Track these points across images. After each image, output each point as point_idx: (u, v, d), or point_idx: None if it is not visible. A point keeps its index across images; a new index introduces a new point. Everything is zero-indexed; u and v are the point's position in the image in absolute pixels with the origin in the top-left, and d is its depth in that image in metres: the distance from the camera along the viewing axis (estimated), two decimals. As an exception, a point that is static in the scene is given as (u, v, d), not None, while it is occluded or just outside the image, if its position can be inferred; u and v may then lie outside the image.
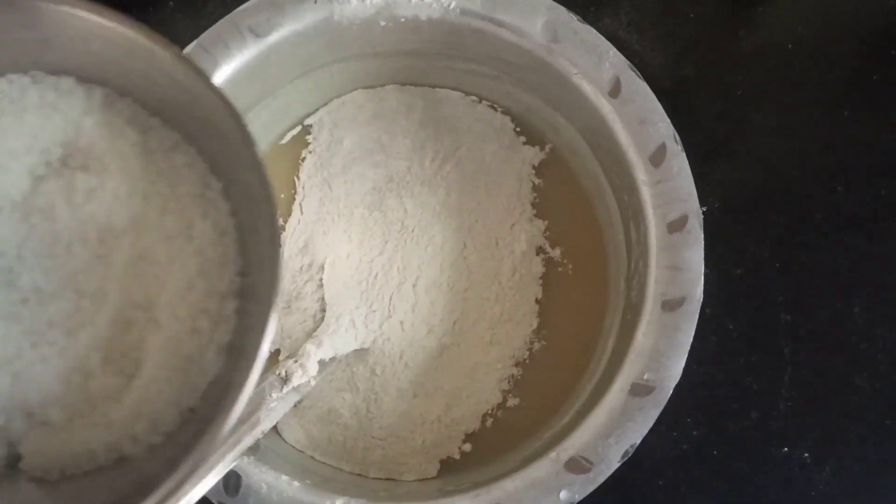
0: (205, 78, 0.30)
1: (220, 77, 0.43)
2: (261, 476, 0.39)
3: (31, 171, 0.32)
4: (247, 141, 0.29)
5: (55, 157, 0.32)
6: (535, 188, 0.52)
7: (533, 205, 0.52)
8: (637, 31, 0.56)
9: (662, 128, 0.42)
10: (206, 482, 0.37)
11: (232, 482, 0.38)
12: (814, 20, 0.56)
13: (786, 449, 0.51)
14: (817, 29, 0.56)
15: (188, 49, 0.43)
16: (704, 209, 0.52)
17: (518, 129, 0.53)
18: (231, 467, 0.38)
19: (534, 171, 0.52)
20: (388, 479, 0.46)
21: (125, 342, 0.32)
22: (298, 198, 0.52)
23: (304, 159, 0.53)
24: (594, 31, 0.43)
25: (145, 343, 0.32)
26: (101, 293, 0.32)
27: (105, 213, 0.32)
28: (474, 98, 0.53)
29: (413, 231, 0.50)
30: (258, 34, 0.43)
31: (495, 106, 0.53)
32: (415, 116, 0.53)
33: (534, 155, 0.52)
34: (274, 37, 0.44)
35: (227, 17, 0.43)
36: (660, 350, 0.40)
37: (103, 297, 0.32)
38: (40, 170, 0.32)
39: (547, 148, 0.52)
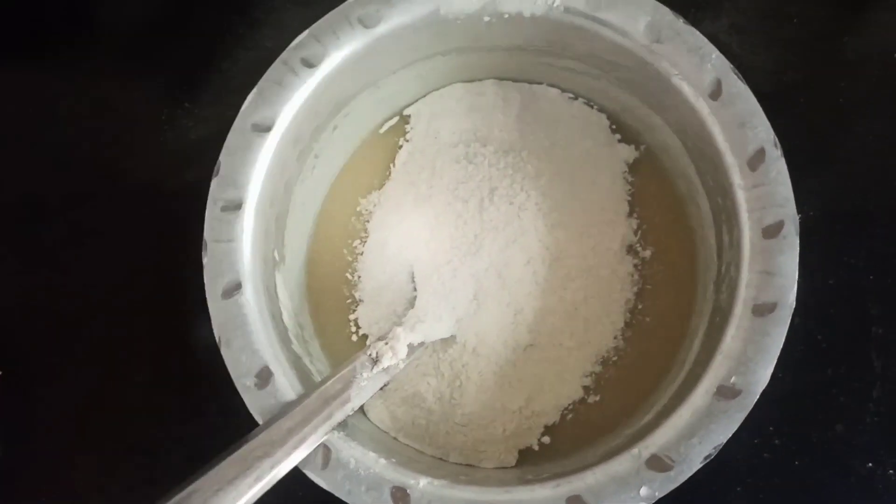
0: None
1: (328, 66, 0.45)
2: (350, 451, 0.40)
3: None
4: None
5: None
6: (629, 192, 0.52)
7: (626, 203, 0.52)
8: (738, 34, 0.56)
9: (762, 132, 0.42)
10: (298, 453, 0.39)
11: (322, 455, 0.40)
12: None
13: (870, 464, 0.50)
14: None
15: (300, 38, 0.45)
16: (801, 216, 0.51)
17: (614, 128, 0.53)
18: (322, 441, 0.40)
19: (627, 170, 0.53)
20: (467, 465, 0.47)
21: None
22: (392, 185, 0.53)
23: (400, 147, 0.54)
24: (697, 32, 0.43)
25: None
26: None
27: None
28: (571, 95, 0.53)
29: (504, 224, 0.51)
30: (367, 25, 0.45)
31: (591, 104, 0.53)
32: (511, 111, 0.53)
33: (628, 153, 0.52)
34: (381, 28, 0.45)
35: (338, 7, 0.45)
36: (748, 354, 0.39)
37: None
38: None
39: (642, 147, 0.52)
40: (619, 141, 0.53)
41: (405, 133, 0.54)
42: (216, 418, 0.51)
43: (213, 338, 0.42)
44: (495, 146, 0.53)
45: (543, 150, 0.53)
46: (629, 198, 0.52)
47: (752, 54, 0.56)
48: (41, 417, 0.54)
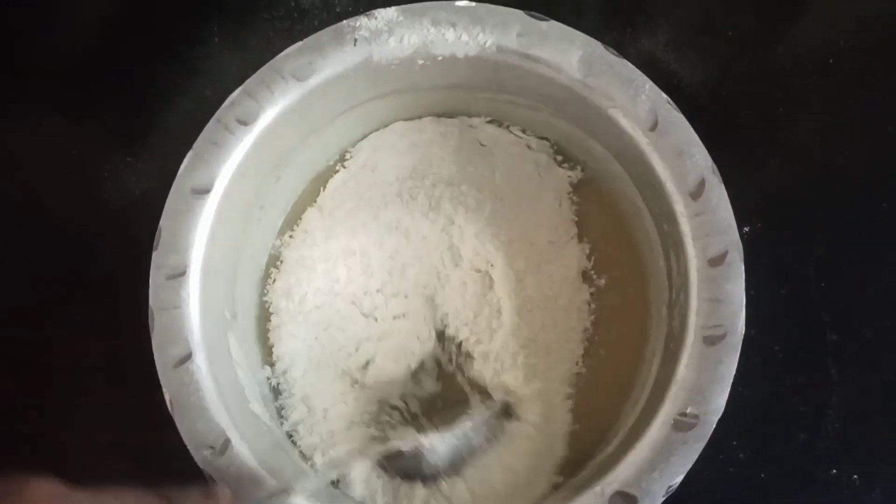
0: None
1: (264, 121, 0.44)
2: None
3: None
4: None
5: None
6: (576, 214, 0.53)
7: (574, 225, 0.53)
8: (675, 50, 0.56)
9: (700, 160, 0.42)
10: None
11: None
12: (854, 35, 0.56)
13: (834, 471, 0.51)
14: (858, 43, 0.56)
15: (233, 96, 0.44)
16: (747, 228, 0.52)
17: (559, 158, 0.53)
18: None
19: (572, 190, 0.53)
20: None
21: None
22: (313, 212, 0.54)
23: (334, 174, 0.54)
24: (630, 64, 0.43)
25: None
26: None
27: None
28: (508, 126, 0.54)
29: (452, 259, 0.51)
30: (300, 78, 0.44)
31: (533, 133, 0.53)
32: (450, 144, 0.54)
33: (573, 175, 0.53)
34: (315, 80, 0.45)
35: (269, 62, 0.45)
36: (702, 384, 0.40)
37: None
38: None
39: (578, 169, 0.53)
40: (562, 164, 0.53)
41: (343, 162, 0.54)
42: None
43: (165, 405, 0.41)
44: (436, 179, 0.53)
45: (484, 180, 0.53)
46: (576, 218, 0.53)
47: (690, 69, 0.56)
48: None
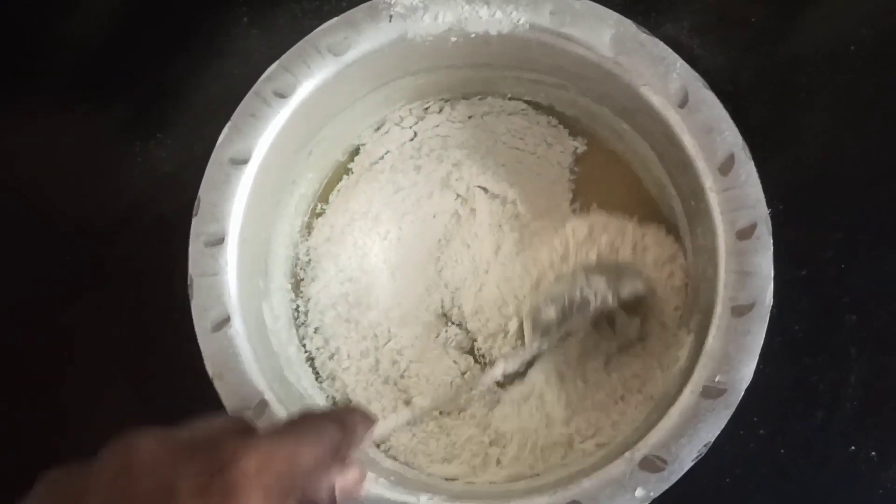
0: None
1: (300, 95, 0.45)
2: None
3: None
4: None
5: None
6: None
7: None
8: (698, 36, 0.57)
9: (730, 137, 0.43)
10: None
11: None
12: (875, 23, 0.56)
13: (852, 448, 0.51)
14: (879, 31, 0.56)
15: (271, 70, 0.45)
16: (769, 211, 0.53)
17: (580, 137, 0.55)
18: None
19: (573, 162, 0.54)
20: (466, 482, 0.48)
21: None
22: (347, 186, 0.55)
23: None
24: (661, 42, 0.44)
25: None
26: None
27: None
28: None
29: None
30: (336, 53, 0.45)
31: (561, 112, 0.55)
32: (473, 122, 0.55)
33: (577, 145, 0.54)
34: (350, 55, 0.46)
35: (306, 37, 0.45)
36: (730, 353, 0.41)
37: None
38: None
39: (582, 141, 0.55)
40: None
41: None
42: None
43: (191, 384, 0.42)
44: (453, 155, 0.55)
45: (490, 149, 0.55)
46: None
47: (711, 55, 0.57)
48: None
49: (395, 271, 0.53)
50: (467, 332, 0.53)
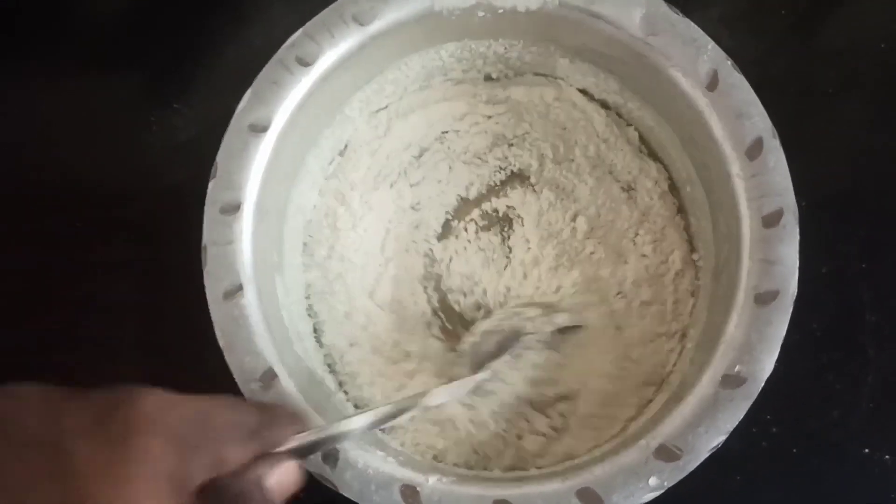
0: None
1: (323, 64, 0.45)
2: (357, 452, 0.40)
3: None
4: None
5: None
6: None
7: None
8: (727, 26, 0.56)
9: (759, 122, 0.42)
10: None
11: (331, 456, 0.39)
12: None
13: (867, 450, 0.50)
14: (910, 27, 0.56)
15: (294, 37, 0.44)
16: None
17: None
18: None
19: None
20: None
21: None
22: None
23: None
24: (692, 24, 0.44)
25: None
26: None
27: None
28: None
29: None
30: (361, 22, 0.45)
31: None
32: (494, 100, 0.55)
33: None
34: (376, 25, 0.45)
35: (332, 5, 0.45)
36: (752, 343, 0.40)
37: None
38: None
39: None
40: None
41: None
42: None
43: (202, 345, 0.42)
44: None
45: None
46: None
47: (741, 45, 0.56)
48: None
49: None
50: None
